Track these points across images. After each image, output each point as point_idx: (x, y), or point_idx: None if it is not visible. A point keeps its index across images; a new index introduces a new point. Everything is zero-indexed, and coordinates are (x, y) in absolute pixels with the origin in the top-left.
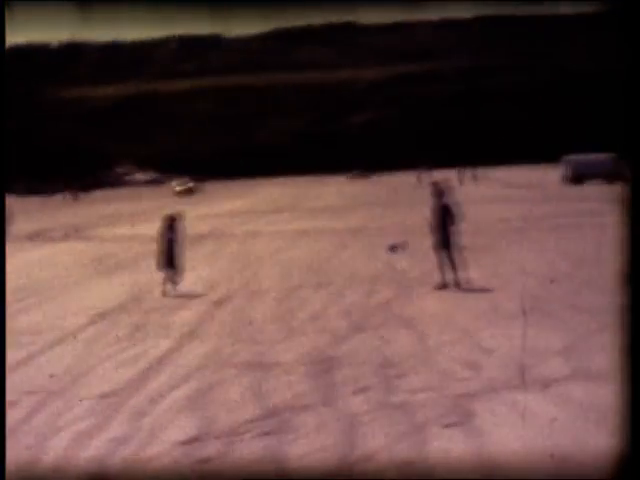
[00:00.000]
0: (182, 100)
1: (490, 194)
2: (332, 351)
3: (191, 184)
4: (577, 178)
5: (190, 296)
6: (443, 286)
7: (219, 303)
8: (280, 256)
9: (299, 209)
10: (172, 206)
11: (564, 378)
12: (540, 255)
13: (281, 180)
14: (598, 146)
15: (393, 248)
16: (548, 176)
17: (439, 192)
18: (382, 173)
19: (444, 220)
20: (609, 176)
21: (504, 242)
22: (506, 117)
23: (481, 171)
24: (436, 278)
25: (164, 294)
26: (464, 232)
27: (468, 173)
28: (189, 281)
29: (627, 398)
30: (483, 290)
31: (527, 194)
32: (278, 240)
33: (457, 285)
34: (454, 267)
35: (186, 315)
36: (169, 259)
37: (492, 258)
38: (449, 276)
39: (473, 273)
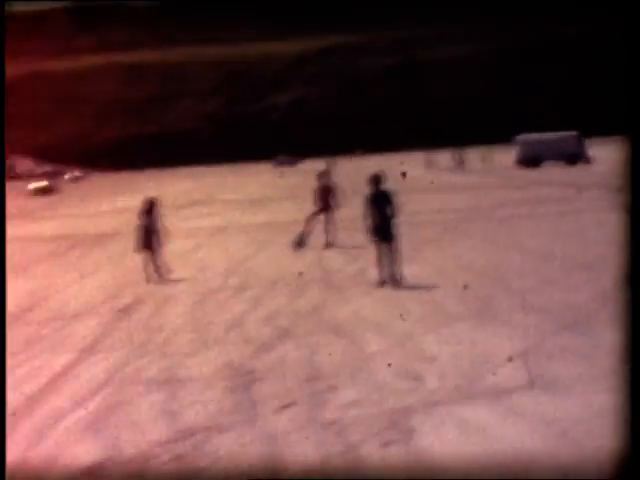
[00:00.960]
0: (78, 80)
1: (436, 181)
2: (254, 363)
3: (45, 183)
4: (533, 160)
5: (92, 303)
6: (382, 283)
7: (125, 311)
8: (194, 257)
9: (216, 203)
10: (62, 204)
11: (516, 388)
12: (491, 249)
13: (195, 170)
14: (555, 124)
15: (298, 242)
16: (500, 159)
17: (376, 179)
18: (312, 159)
19: (382, 210)
20: (569, 156)
21: (450, 235)
22: (451, 94)
23: (422, 155)
24: (371, 276)
25: (148, 281)
26: (405, 224)
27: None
28: (91, 286)
29: (627, 398)
30: (425, 289)
31: (477, 180)
32: (191, 238)
33: (395, 282)
34: (394, 262)
35: (88, 325)
36: (147, 243)
37: (436, 253)
38: (387, 272)
39: (414, 270)
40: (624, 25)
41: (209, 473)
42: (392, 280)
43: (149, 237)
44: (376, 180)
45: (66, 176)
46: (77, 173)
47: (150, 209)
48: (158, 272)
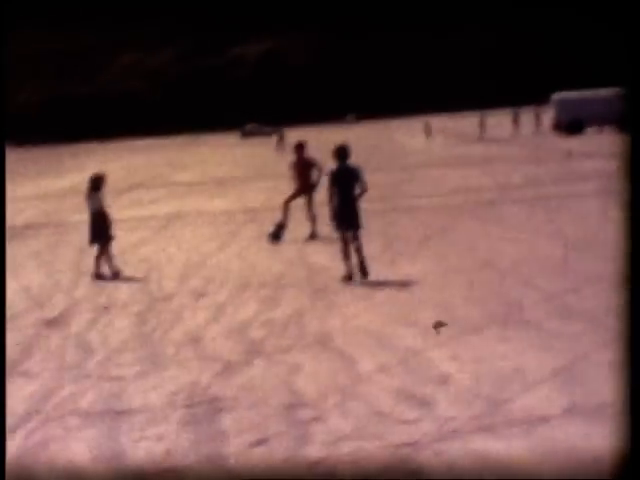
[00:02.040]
0: None
1: (450, 153)
2: (219, 387)
3: None
4: (574, 124)
5: (12, 313)
6: (349, 278)
7: (54, 322)
8: (142, 253)
9: (169, 184)
10: None
11: (553, 417)
12: (519, 239)
13: (139, 143)
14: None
15: (275, 234)
16: (530, 124)
17: (340, 152)
18: (289, 126)
19: (348, 190)
20: (618, 120)
21: (468, 222)
22: (460, 42)
23: (433, 120)
24: (365, 279)
25: (97, 276)
26: (409, 209)
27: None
28: (10, 292)
29: (627, 397)
30: (435, 291)
31: (499, 151)
32: (138, 230)
33: (364, 274)
34: (359, 250)
35: (7, 341)
36: (98, 232)
37: (451, 245)
38: (353, 264)
39: (420, 267)
40: None
41: None
42: (361, 273)
43: (100, 224)
44: (341, 153)
45: None
46: None
47: (96, 188)
48: (112, 269)
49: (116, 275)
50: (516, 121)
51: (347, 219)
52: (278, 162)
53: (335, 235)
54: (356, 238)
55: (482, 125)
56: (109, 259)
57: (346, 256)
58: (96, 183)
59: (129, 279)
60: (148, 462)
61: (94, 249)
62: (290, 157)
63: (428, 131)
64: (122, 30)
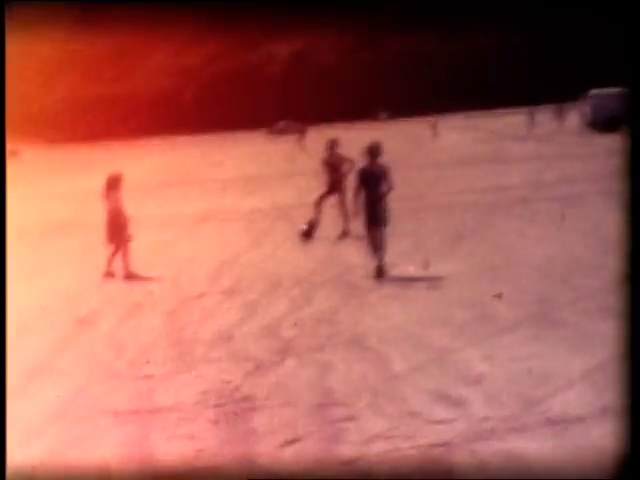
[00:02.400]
0: (19, 28)
1: (477, 150)
2: (251, 386)
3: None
4: (609, 121)
5: (45, 312)
6: (379, 273)
7: (86, 321)
8: (172, 252)
9: (201, 181)
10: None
11: (587, 417)
12: (553, 239)
13: (170, 141)
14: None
15: (308, 232)
16: (564, 122)
17: (371, 151)
18: (321, 126)
19: (375, 188)
20: None
21: (499, 221)
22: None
23: (460, 117)
24: (399, 273)
25: (107, 275)
26: (440, 207)
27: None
28: (42, 292)
29: (627, 397)
30: (468, 290)
31: (534, 149)
32: (169, 229)
33: (380, 272)
34: (381, 249)
35: (38, 340)
36: (115, 232)
37: (483, 244)
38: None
39: (452, 267)
40: None
41: None
42: (377, 270)
43: (117, 223)
44: (372, 152)
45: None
46: (11, 147)
47: (115, 188)
48: (126, 269)
49: (129, 277)
50: (559, 115)
51: (372, 217)
52: (310, 159)
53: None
54: (380, 235)
55: (530, 121)
56: (125, 259)
57: (375, 251)
58: (112, 183)
59: (161, 277)
60: (179, 462)
61: (116, 246)
62: (318, 154)
63: (434, 130)
64: (153, 31)
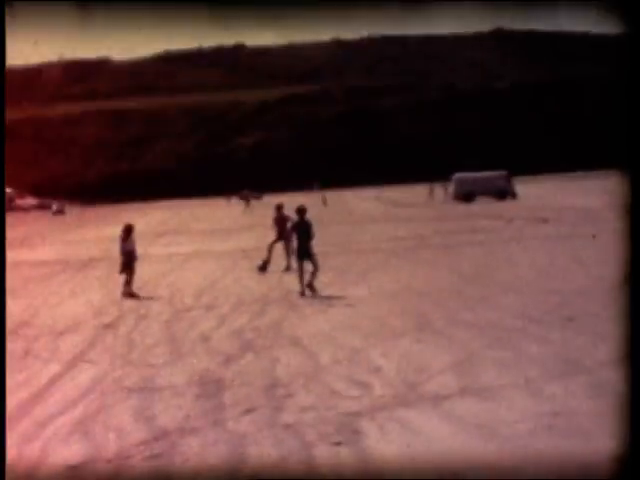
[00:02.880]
0: (71, 124)
1: (382, 212)
2: (222, 372)
3: (57, 206)
4: (467, 195)
5: (80, 320)
6: (302, 293)
7: (109, 326)
8: (169, 279)
9: (188, 232)
10: (53, 232)
11: (453, 395)
12: (430, 273)
13: (169, 203)
14: (488, 164)
15: (262, 267)
16: (439, 195)
17: (300, 211)
18: (273, 194)
19: (305, 235)
20: (498, 193)
21: (395, 260)
22: (395, 137)
23: (372, 190)
24: (325, 296)
25: (125, 294)
26: (355, 251)
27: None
28: (79, 305)
29: (626, 398)
30: (372, 307)
31: (419, 212)
32: (166, 263)
33: (311, 289)
34: (314, 275)
35: (75, 339)
36: (127, 263)
37: (382, 276)
38: (306, 282)
39: (362, 291)
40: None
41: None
42: (311, 289)
43: (129, 260)
44: (300, 211)
45: (53, 207)
46: (59, 206)
47: (128, 234)
48: (129, 291)
49: (132, 295)
50: (431, 192)
51: (303, 253)
52: (264, 217)
53: (306, 268)
54: (311, 265)
55: (430, 191)
56: (130, 284)
57: (301, 279)
58: (127, 231)
59: (161, 296)
60: (172, 424)
61: (123, 277)
62: (270, 213)
63: (324, 201)
64: (159, 126)
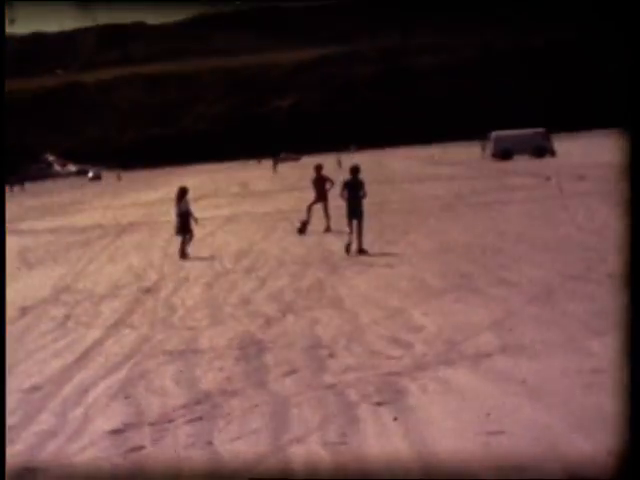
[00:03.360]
0: (105, 90)
1: (419, 172)
2: (263, 334)
3: (94, 172)
4: (505, 153)
5: (120, 284)
6: (348, 250)
7: (149, 291)
8: (208, 242)
9: (226, 195)
10: (92, 198)
11: (494, 353)
12: (469, 232)
13: (207, 166)
14: (525, 122)
15: (301, 229)
16: (477, 153)
17: (354, 169)
18: (310, 156)
19: (356, 194)
20: (536, 150)
21: (433, 219)
22: (430, 96)
23: (409, 150)
24: (364, 257)
25: (181, 256)
26: (392, 211)
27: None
28: (119, 270)
29: (627, 398)
30: (411, 267)
31: (457, 171)
32: (206, 226)
33: (361, 251)
34: (361, 234)
35: (116, 304)
36: (183, 226)
37: (421, 235)
38: (356, 243)
39: (401, 251)
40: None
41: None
42: (359, 250)
43: (184, 221)
44: (354, 170)
45: (90, 173)
46: (96, 172)
47: (182, 196)
48: (186, 252)
49: (186, 256)
50: (483, 149)
51: (354, 212)
52: (302, 179)
53: (343, 228)
54: (360, 225)
55: (482, 149)
56: (188, 246)
57: (350, 235)
58: (182, 192)
59: (201, 260)
60: (214, 386)
61: (179, 239)
62: (309, 175)
63: (339, 163)
64: (194, 90)
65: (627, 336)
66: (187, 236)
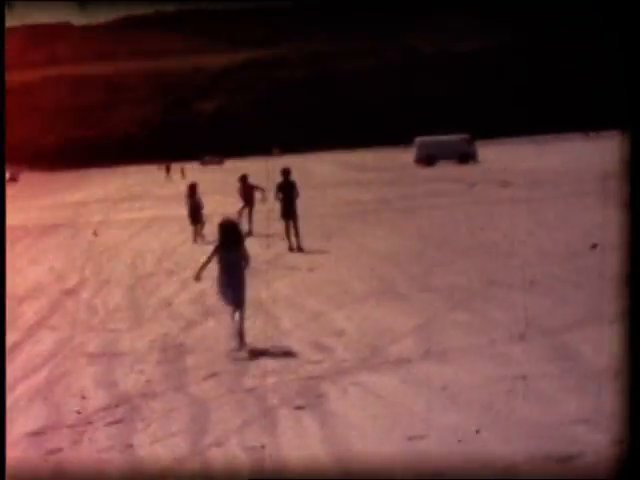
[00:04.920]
0: (31, 91)
1: (344, 177)
2: (183, 337)
3: (11, 173)
4: (429, 159)
5: (40, 286)
6: (291, 249)
7: (70, 292)
8: (131, 244)
9: (150, 197)
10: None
11: (416, 358)
12: (393, 237)
13: (131, 169)
14: (450, 128)
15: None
16: (401, 158)
17: (285, 171)
18: (235, 159)
19: (289, 195)
20: (460, 156)
21: (357, 224)
22: (355, 100)
23: (333, 155)
24: (285, 261)
25: (195, 240)
26: (318, 215)
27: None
28: (39, 272)
29: (626, 398)
30: (333, 271)
31: (380, 176)
32: (129, 228)
33: (300, 249)
34: (297, 234)
35: (36, 305)
36: (195, 218)
37: (343, 241)
38: (293, 242)
39: (324, 256)
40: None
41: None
42: (297, 247)
43: (196, 213)
44: (285, 172)
45: (7, 175)
46: (12, 173)
47: (194, 190)
48: (202, 238)
49: (204, 241)
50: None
51: (288, 213)
52: (226, 183)
53: (265, 231)
54: (296, 224)
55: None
56: (201, 234)
57: (287, 236)
58: (192, 188)
59: (122, 262)
60: (134, 389)
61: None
62: (234, 181)
63: (167, 172)
64: (120, 92)
65: (628, 335)
66: (199, 225)
